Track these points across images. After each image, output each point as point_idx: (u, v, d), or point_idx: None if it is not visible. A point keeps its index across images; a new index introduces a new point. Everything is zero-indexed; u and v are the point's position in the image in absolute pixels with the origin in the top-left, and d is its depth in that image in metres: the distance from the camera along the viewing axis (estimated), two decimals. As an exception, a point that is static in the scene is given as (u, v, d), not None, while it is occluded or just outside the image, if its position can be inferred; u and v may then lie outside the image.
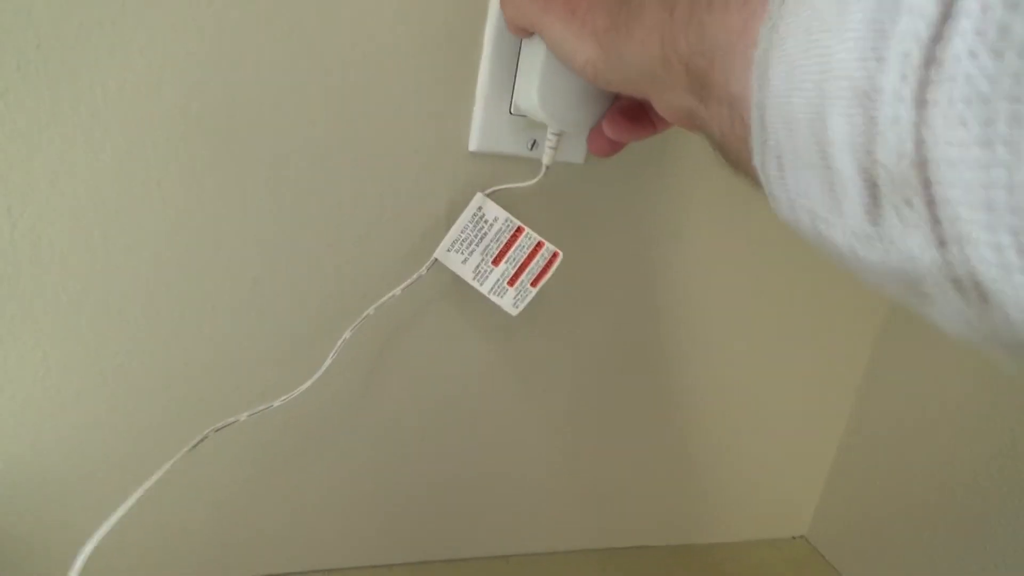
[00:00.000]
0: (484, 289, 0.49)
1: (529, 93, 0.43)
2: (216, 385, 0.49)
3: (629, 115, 0.41)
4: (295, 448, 0.53)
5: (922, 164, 0.17)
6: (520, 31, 0.42)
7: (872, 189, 0.19)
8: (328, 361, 0.48)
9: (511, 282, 0.49)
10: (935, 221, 0.18)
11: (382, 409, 0.54)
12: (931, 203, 0.18)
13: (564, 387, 0.58)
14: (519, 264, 0.49)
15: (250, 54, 0.42)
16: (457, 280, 0.49)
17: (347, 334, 0.48)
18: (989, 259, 0.17)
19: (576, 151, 0.50)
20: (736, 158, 0.27)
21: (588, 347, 0.57)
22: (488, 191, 0.49)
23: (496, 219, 0.48)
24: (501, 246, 0.49)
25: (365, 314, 0.48)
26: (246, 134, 0.44)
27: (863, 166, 0.19)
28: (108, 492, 0.50)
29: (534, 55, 0.42)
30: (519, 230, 0.49)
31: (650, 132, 0.41)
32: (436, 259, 0.49)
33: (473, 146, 0.48)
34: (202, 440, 0.44)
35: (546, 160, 0.47)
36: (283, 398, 0.47)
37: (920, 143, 0.17)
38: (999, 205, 0.16)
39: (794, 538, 0.71)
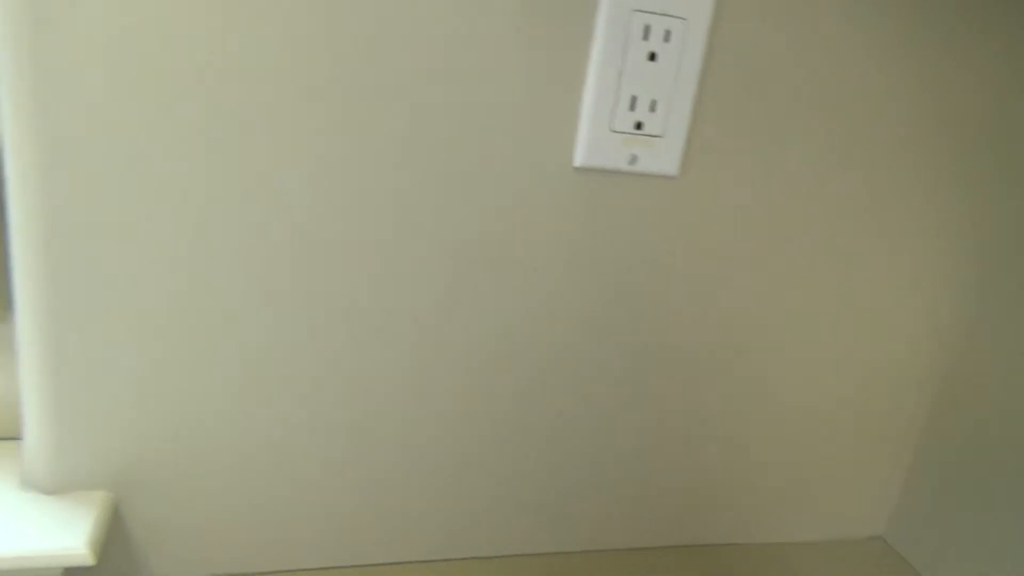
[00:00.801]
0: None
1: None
2: (336, 388, 0.53)
3: None
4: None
5: None
6: None
7: None
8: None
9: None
10: None
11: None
12: None
13: (647, 395, 0.61)
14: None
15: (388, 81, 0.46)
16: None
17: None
18: None
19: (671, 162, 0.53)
20: None
21: (668, 350, 0.60)
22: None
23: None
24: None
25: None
26: (376, 149, 0.48)
27: None
28: (238, 483, 0.54)
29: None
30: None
31: None
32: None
33: (578, 161, 0.51)
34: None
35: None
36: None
37: None
38: None
39: (871, 538, 0.73)
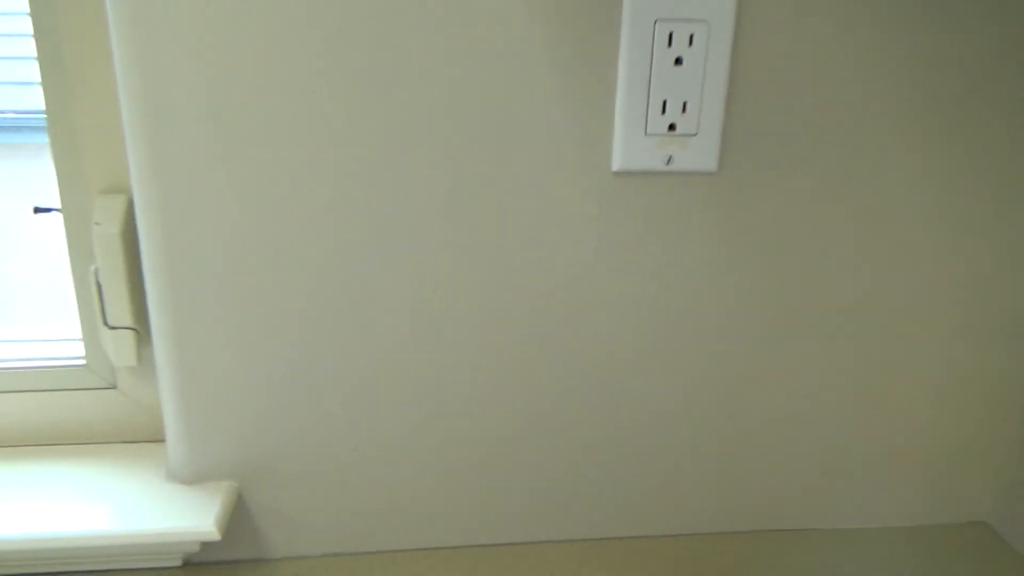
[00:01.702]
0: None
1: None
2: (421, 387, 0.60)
3: None
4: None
5: None
6: None
7: None
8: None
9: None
10: None
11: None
12: None
13: (723, 389, 0.63)
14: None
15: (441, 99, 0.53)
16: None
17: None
18: None
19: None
20: None
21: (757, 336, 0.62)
22: (632, 203, 0.55)
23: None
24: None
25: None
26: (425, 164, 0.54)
27: None
28: (345, 473, 0.62)
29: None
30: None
31: None
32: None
33: (616, 166, 0.55)
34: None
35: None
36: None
37: None
38: None
39: (973, 523, 0.70)
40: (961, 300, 0.63)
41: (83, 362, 0.65)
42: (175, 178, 0.52)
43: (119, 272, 0.59)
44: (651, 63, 0.53)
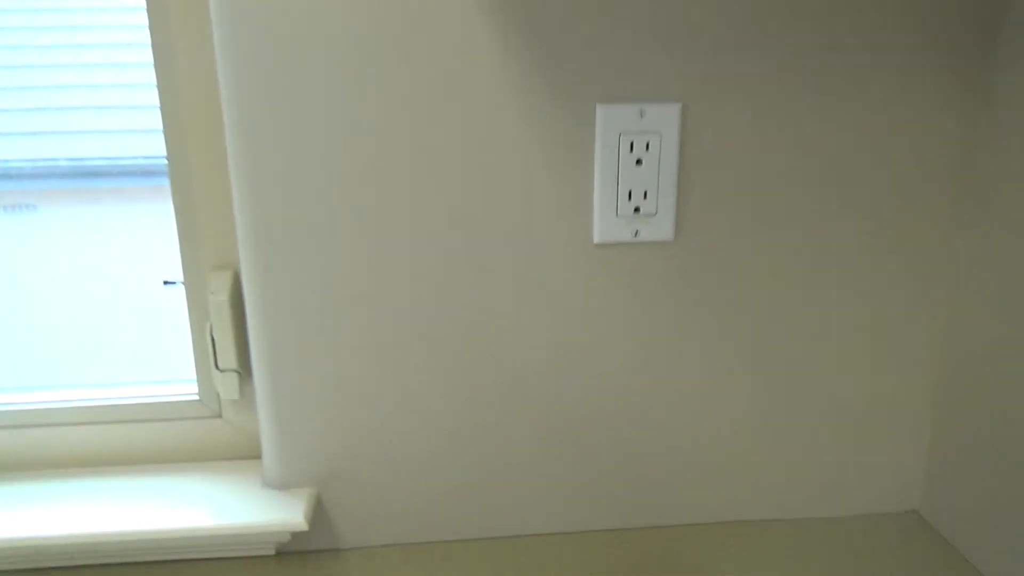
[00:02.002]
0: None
1: (624, 205, 0.68)
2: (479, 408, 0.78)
3: None
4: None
5: None
6: None
7: None
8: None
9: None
10: None
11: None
12: None
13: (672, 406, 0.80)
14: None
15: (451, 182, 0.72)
16: (596, 327, 0.75)
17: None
18: None
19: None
20: None
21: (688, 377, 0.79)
22: (610, 266, 0.74)
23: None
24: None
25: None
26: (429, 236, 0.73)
27: None
28: (407, 475, 0.80)
29: (623, 181, 0.68)
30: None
31: None
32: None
33: (596, 239, 0.74)
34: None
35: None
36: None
37: None
38: None
39: (905, 512, 0.86)
40: (880, 321, 0.80)
41: (196, 397, 0.85)
42: (274, 257, 0.72)
43: (228, 328, 0.79)
44: (618, 164, 0.72)
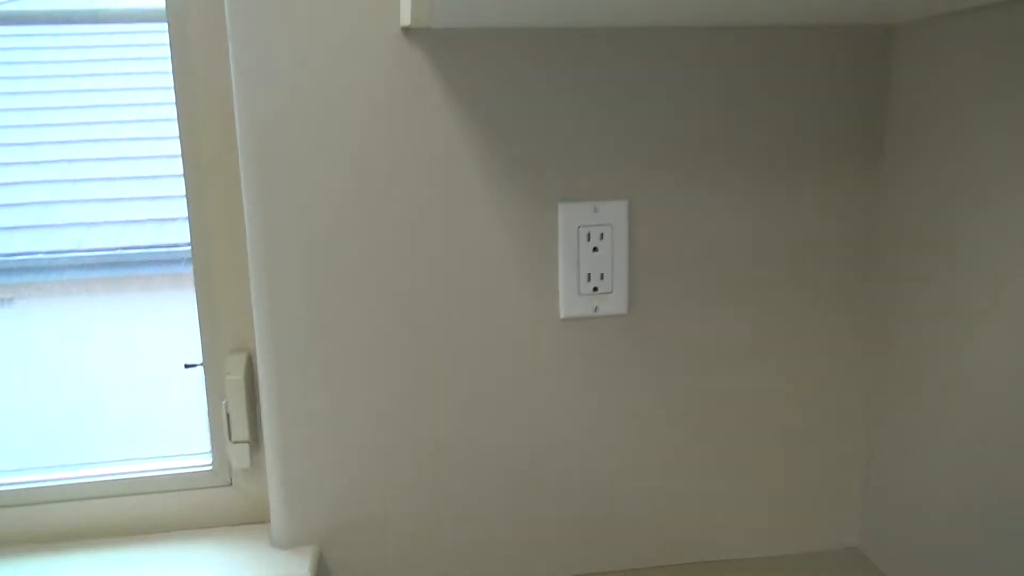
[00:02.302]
0: (581, 393, 0.86)
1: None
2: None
3: None
4: (488, 503, 0.90)
5: None
6: None
7: None
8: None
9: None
10: None
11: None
12: None
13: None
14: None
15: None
16: (565, 391, 0.87)
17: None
18: None
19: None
20: None
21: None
22: (575, 338, 0.87)
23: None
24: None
25: (516, 416, 0.86)
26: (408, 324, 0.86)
27: None
28: (404, 535, 0.89)
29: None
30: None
31: None
32: (551, 380, 0.86)
33: (562, 315, 0.87)
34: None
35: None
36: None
37: None
38: None
39: (845, 549, 0.96)
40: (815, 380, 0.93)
41: (210, 467, 0.95)
42: (286, 345, 0.84)
43: (242, 405, 0.90)
44: (578, 252, 0.85)
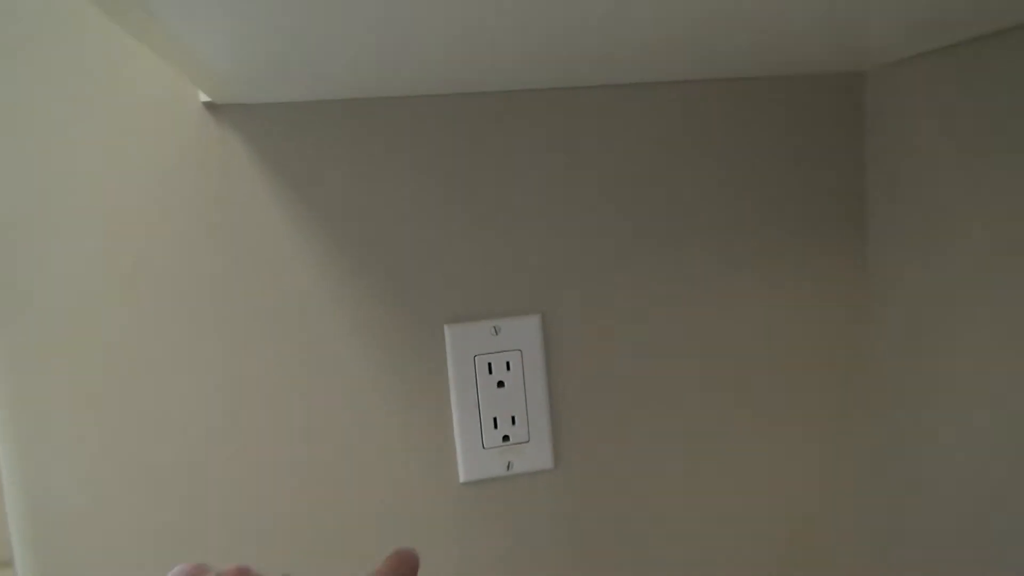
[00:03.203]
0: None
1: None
2: None
3: None
4: None
5: None
6: None
7: None
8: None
9: None
10: None
11: None
12: None
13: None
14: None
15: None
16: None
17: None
18: None
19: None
20: None
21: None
22: (482, 509, 0.62)
23: None
24: None
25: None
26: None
27: None
28: None
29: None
30: None
31: None
32: None
33: (463, 478, 0.63)
34: None
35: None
36: None
37: None
38: None
39: None
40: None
41: None
42: (50, 558, 0.59)
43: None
44: (477, 389, 0.62)
